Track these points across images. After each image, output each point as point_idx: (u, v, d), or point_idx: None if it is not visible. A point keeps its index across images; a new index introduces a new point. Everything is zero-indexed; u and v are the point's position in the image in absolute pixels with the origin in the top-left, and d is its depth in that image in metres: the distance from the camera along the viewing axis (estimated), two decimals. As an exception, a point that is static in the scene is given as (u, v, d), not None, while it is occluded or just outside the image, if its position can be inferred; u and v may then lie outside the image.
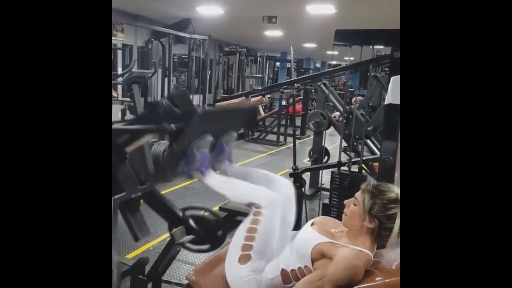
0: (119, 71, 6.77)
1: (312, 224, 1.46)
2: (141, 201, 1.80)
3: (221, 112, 1.67)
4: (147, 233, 1.78)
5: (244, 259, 1.36)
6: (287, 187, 1.58)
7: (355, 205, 1.35)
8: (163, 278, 1.84)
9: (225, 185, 1.49)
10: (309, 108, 8.13)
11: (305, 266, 1.31)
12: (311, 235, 1.35)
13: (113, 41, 6.67)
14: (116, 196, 1.57)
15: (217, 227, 1.77)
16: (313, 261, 1.29)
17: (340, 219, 1.45)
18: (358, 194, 1.36)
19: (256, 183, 1.52)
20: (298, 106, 8.60)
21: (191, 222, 1.77)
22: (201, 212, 1.83)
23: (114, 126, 1.53)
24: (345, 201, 1.41)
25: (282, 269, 1.35)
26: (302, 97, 8.33)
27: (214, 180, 1.50)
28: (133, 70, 4.56)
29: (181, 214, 1.78)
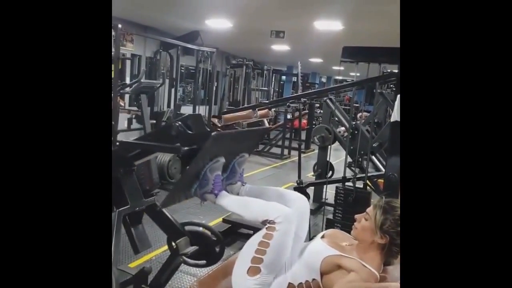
0: (127, 80, 6.83)
1: (322, 237, 1.46)
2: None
3: (233, 134, 1.68)
4: (148, 246, 1.79)
5: (253, 271, 1.34)
6: (301, 202, 1.56)
7: (366, 219, 1.35)
8: (165, 288, 1.84)
9: (238, 205, 1.49)
10: (314, 122, 8.13)
11: (313, 279, 1.30)
12: (321, 247, 1.35)
13: (122, 51, 6.75)
14: (120, 209, 1.59)
15: (215, 243, 1.77)
16: (322, 274, 1.29)
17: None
18: (369, 209, 1.37)
19: (270, 200, 1.50)
20: (304, 120, 8.61)
21: (190, 237, 1.78)
22: (200, 228, 1.84)
23: (123, 138, 1.55)
24: (356, 216, 1.41)
25: (289, 283, 1.34)
26: (307, 111, 8.35)
27: (227, 200, 1.50)
28: (141, 80, 4.61)
29: (181, 228, 1.80)
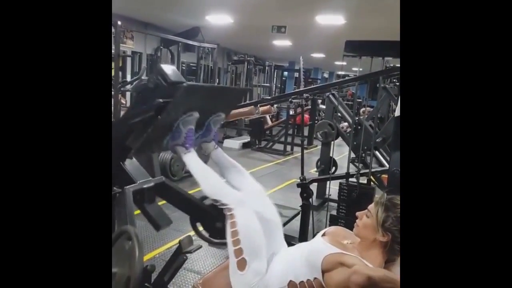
0: (128, 78, 6.82)
1: (323, 235, 1.44)
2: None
3: (208, 88, 1.67)
4: (169, 222, 1.73)
5: (241, 264, 1.37)
6: (255, 185, 1.66)
7: (367, 217, 1.34)
8: (169, 286, 1.82)
9: (201, 172, 1.53)
10: (316, 118, 8.11)
11: (315, 278, 1.28)
12: (322, 246, 1.34)
13: (122, 48, 6.74)
14: (128, 186, 1.56)
15: None
16: (323, 272, 1.27)
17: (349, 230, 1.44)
18: (371, 207, 1.35)
19: (231, 177, 1.63)
20: (306, 116, 8.60)
21: (213, 211, 1.72)
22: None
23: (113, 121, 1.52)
24: (358, 213, 1.40)
25: (290, 281, 1.33)
26: (310, 106, 8.32)
27: (193, 161, 1.54)
28: (142, 77, 4.59)
29: (200, 203, 1.75)
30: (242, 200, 1.48)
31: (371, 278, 1.07)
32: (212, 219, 1.72)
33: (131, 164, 1.70)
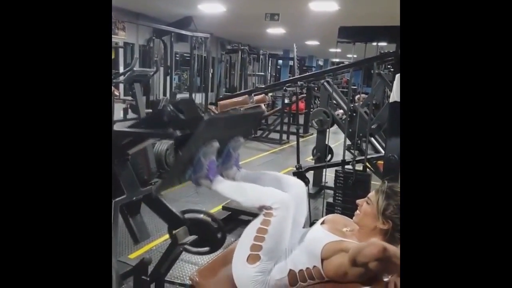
0: (121, 69, 6.75)
1: (322, 223, 1.44)
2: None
3: (227, 118, 1.64)
4: (147, 236, 1.76)
5: (253, 259, 1.34)
6: (298, 187, 1.55)
7: (368, 204, 1.33)
8: (166, 278, 1.82)
9: (235, 191, 1.47)
10: (312, 106, 8.09)
11: (314, 266, 1.28)
12: (321, 234, 1.33)
13: (114, 40, 6.67)
14: (117, 199, 1.56)
15: (217, 230, 1.75)
16: (323, 260, 1.26)
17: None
18: (371, 195, 1.34)
19: (267, 185, 1.48)
20: (301, 104, 8.57)
21: (191, 225, 1.75)
22: (201, 215, 1.81)
23: (118, 128, 1.51)
24: (358, 201, 1.39)
25: (290, 270, 1.32)
26: (305, 94, 8.29)
27: (223, 186, 1.47)
28: (134, 68, 4.53)
29: (180, 216, 1.77)
30: (286, 202, 1.37)
31: (387, 250, 1.07)
32: (189, 230, 1.73)
33: (125, 172, 1.67)
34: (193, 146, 1.43)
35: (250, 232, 1.37)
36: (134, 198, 1.68)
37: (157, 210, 1.80)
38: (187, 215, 1.77)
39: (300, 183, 1.58)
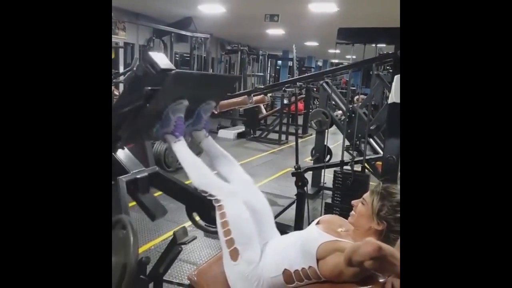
0: (121, 69, 6.76)
1: (318, 223, 1.44)
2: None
3: (197, 76, 1.65)
4: (164, 212, 1.73)
5: (233, 254, 1.37)
6: (243, 175, 1.65)
7: (363, 204, 1.34)
8: (164, 278, 1.82)
9: (190, 162, 1.52)
10: (311, 106, 8.10)
11: (309, 266, 1.29)
12: (316, 234, 1.34)
13: (115, 40, 6.67)
14: (121, 177, 1.56)
15: None
16: (318, 260, 1.27)
17: (344, 218, 1.44)
18: (366, 195, 1.35)
19: (221, 167, 1.64)
20: (300, 105, 8.59)
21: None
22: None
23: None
24: (353, 202, 1.40)
25: (285, 269, 1.33)
26: (304, 95, 8.30)
27: (183, 150, 1.53)
28: (134, 68, 4.54)
29: (195, 192, 1.74)
30: (231, 191, 1.47)
31: (382, 249, 1.07)
32: (208, 208, 1.71)
33: (123, 154, 1.69)
34: (162, 100, 1.45)
35: (219, 232, 1.42)
36: (139, 176, 1.67)
37: (167, 190, 1.78)
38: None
39: (245, 174, 1.67)
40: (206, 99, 1.68)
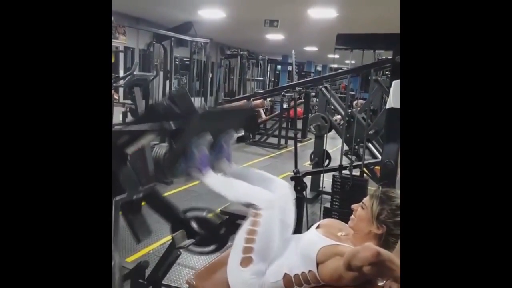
0: (121, 73, 6.77)
1: (317, 227, 1.45)
2: (143, 203, 1.78)
3: (220, 112, 1.67)
4: (149, 234, 1.76)
5: (246, 261, 1.35)
6: (285, 189, 1.58)
7: (362, 208, 1.35)
8: (163, 282, 1.83)
9: (223, 185, 1.50)
10: (310, 111, 8.12)
11: (309, 270, 1.29)
12: (316, 238, 1.34)
13: (115, 44, 6.69)
14: (117, 198, 1.57)
15: (220, 227, 1.75)
16: (318, 264, 1.28)
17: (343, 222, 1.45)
18: (366, 199, 1.36)
19: (254, 183, 1.52)
20: (299, 109, 8.61)
21: (194, 223, 1.75)
22: (203, 213, 1.82)
23: (115, 127, 1.52)
24: (353, 206, 1.40)
25: (285, 274, 1.33)
26: (303, 100, 8.32)
27: (213, 179, 1.50)
28: (134, 73, 4.56)
29: (182, 215, 1.77)
30: (272, 202, 1.42)
31: (380, 254, 1.07)
32: (191, 231, 1.74)
33: (124, 171, 1.69)
34: (187, 138, 1.46)
35: (241, 235, 1.38)
36: (135, 197, 1.68)
37: (159, 210, 1.80)
38: (189, 214, 1.78)
39: (287, 185, 1.61)
40: (226, 130, 1.67)
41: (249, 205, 1.40)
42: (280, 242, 1.43)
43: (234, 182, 1.50)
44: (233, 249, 1.41)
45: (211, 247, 1.76)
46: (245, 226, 1.39)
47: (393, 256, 1.09)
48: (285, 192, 1.57)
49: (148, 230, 1.75)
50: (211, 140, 1.54)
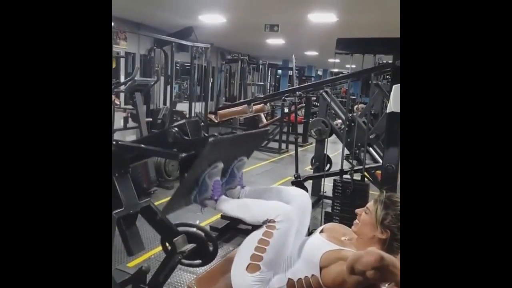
0: (122, 79, 6.79)
1: (321, 231, 1.45)
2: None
3: (232, 139, 1.67)
4: (141, 248, 1.76)
5: (252, 268, 1.34)
6: (302, 197, 1.56)
7: (366, 213, 1.35)
8: (164, 287, 1.82)
9: (238, 208, 1.48)
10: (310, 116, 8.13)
11: (312, 275, 1.29)
12: (320, 242, 1.34)
13: (116, 49, 6.72)
14: (115, 212, 1.57)
15: (208, 243, 1.76)
16: (321, 268, 1.27)
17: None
18: (370, 204, 1.36)
19: (270, 199, 1.50)
20: (299, 117, 8.61)
21: (184, 238, 1.75)
22: (193, 229, 1.82)
23: (119, 137, 1.53)
24: (357, 210, 1.40)
25: (289, 279, 1.33)
26: (304, 104, 8.33)
27: (227, 205, 1.49)
28: (135, 78, 4.58)
29: (174, 229, 1.78)
30: (289, 214, 1.38)
31: (384, 259, 1.07)
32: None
33: (124, 185, 1.70)
34: (199, 167, 1.45)
35: (251, 241, 1.37)
36: (132, 211, 1.69)
37: (152, 222, 1.81)
38: (180, 228, 1.79)
39: (304, 194, 1.59)
40: (238, 156, 1.67)
41: (267, 222, 1.37)
42: (294, 251, 1.41)
43: (249, 202, 1.49)
44: (239, 253, 1.40)
45: (198, 261, 1.77)
46: (257, 234, 1.36)
47: (397, 261, 1.08)
48: (302, 201, 1.55)
49: (141, 244, 1.75)
50: (222, 167, 1.53)
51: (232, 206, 1.49)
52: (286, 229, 1.34)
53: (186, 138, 1.51)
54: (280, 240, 1.34)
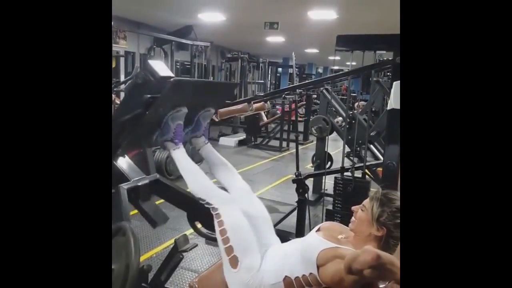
0: (122, 78, 6.79)
1: (318, 230, 1.45)
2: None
3: (195, 83, 1.68)
4: (165, 219, 1.75)
5: (233, 262, 1.38)
6: (240, 184, 1.66)
7: (362, 211, 1.34)
8: (166, 286, 1.82)
9: (188, 169, 1.54)
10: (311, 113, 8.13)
11: (310, 273, 1.29)
12: (317, 241, 1.34)
13: (115, 49, 6.72)
14: (122, 184, 1.57)
15: None
16: (318, 267, 1.27)
17: (345, 225, 1.44)
18: (366, 202, 1.35)
19: (218, 175, 1.66)
20: (299, 111, 8.61)
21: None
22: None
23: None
24: (353, 208, 1.40)
25: (286, 276, 1.33)
26: (304, 102, 8.33)
27: (182, 158, 1.55)
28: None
29: (196, 199, 1.76)
30: (228, 199, 1.50)
31: (380, 258, 1.06)
32: (209, 215, 1.72)
33: (124, 163, 1.71)
34: (161, 107, 1.47)
35: (218, 240, 1.43)
36: (140, 183, 1.68)
37: (168, 197, 1.80)
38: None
39: (242, 182, 1.67)
40: (205, 106, 1.70)
41: (201, 200, 1.48)
42: (261, 234, 1.47)
43: (200, 174, 1.54)
44: (221, 255, 1.44)
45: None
46: (216, 230, 1.44)
47: (394, 259, 1.08)
48: (241, 186, 1.65)
49: (164, 215, 1.75)
50: (186, 112, 1.56)
51: (184, 162, 1.54)
52: (229, 211, 1.45)
53: (152, 78, 1.51)
54: (232, 221, 1.43)
